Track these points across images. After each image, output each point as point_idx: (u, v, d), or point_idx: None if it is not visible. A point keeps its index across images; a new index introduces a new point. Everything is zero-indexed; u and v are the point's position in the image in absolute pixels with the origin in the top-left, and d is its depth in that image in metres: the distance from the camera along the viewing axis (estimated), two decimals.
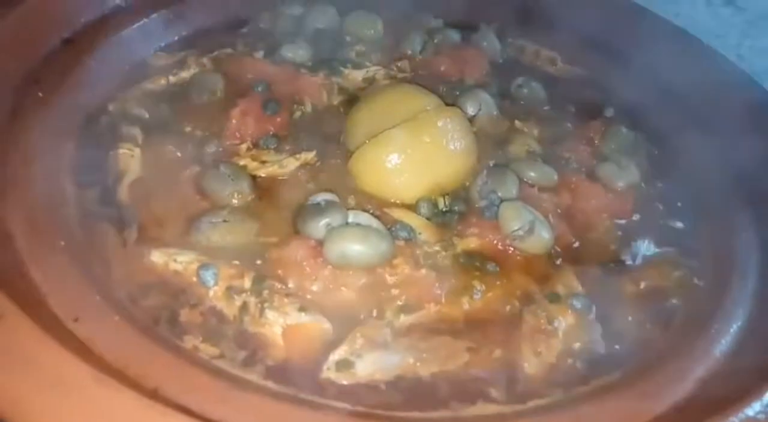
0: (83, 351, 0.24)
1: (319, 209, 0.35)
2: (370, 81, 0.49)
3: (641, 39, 0.55)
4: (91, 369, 0.23)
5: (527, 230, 0.37)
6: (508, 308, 0.35)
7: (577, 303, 0.35)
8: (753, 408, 0.26)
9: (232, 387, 0.27)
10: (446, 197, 0.41)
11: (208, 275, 0.32)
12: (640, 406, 0.29)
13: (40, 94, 0.40)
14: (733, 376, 0.30)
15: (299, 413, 0.27)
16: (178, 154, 0.40)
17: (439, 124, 0.40)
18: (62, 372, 0.22)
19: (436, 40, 0.54)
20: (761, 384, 0.27)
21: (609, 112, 0.50)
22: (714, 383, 0.30)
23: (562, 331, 0.33)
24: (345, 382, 0.30)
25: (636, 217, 0.42)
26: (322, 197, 0.36)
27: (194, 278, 0.33)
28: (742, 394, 0.27)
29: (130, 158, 0.39)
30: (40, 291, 0.28)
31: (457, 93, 0.48)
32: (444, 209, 0.40)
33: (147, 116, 0.43)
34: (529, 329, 0.33)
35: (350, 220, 0.35)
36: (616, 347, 0.33)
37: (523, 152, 0.45)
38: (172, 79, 0.46)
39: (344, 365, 0.30)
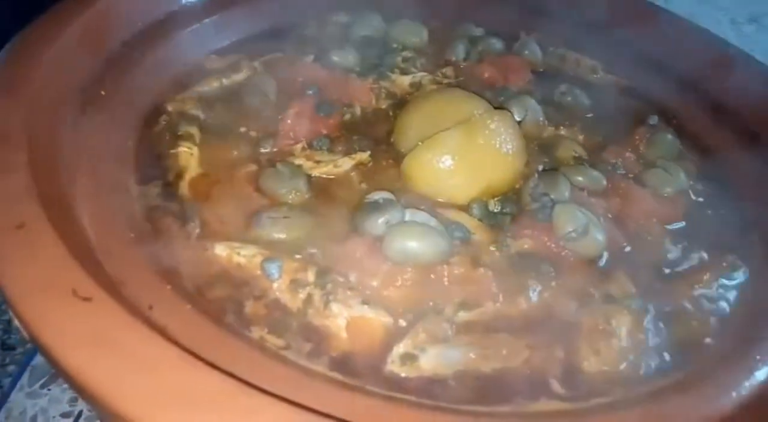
0: (163, 334, 0.25)
1: (377, 207, 0.36)
2: (417, 86, 0.50)
3: (680, 49, 0.56)
4: (176, 348, 0.23)
5: (581, 232, 0.37)
6: (564, 308, 0.35)
7: (633, 304, 0.35)
8: None
9: (302, 376, 0.28)
10: (497, 199, 0.41)
11: (273, 268, 0.33)
12: (705, 406, 0.28)
13: (103, 93, 0.41)
14: None
15: (368, 403, 0.27)
16: (235, 153, 0.41)
17: (492, 126, 0.40)
18: (149, 351, 0.23)
19: (479, 48, 0.55)
20: None
21: (653, 120, 0.51)
22: None
23: (620, 331, 0.34)
24: (410, 375, 0.30)
25: (686, 223, 0.42)
26: (379, 196, 0.37)
27: (258, 271, 0.33)
28: None
29: (189, 156, 0.40)
30: (114, 281, 0.29)
31: (502, 99, 0.49)
32: (495, 211, 0.40)
33: (203, 116, 0.44)
34: (587, 329, 0.34)
35: (407, 218, 0.36)
36: (675, 349, 0.33)
37: (570, 157, 0.46)
38: (225, 82, 0.48)
39: (408, 358, 0.30)
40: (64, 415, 0.64)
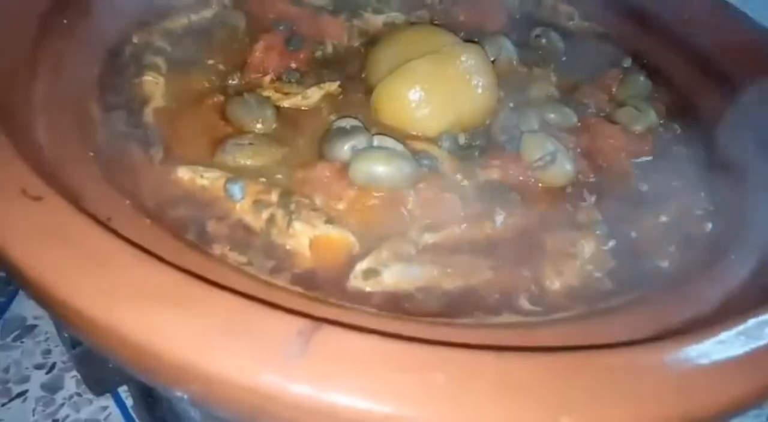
0: (118, 235, 0.24)
1: (345, 132, 0.35)
2: (391, 26, 0.49)
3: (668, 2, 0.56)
4: (130, 247, 0.23)
5: (549, 160, 0.37)
6: (529, 233, 0.35)
7: (598, 230, 0.35)
8: None
9: (262, 286, 0.28)
10: (467, 133, 0.41)
11: (236, 189, 0.32)
12: (656, 320, 0.29)
13: (65, 21, 0.40)
14: (752, 297, 0.31)
15: (328, 312, 0.27)
16: (202, 84, 0.41)
17: (462, 58, 0.40)
18: (102, 247, 0.23)
19: None
20: None
21: (626, 62, 0.51)
22: (734, 302, 0.31)
23: (584, 254, 0.34)
24: (371, 289, 0.30)
25: (653, 157, 0.42)
26: (346, 122, 0.37)
27: (221, 193, 0.33)
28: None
29: (154, 86, 0.40)
30: (69, 190, 0.28)
31: (476, 39, 0.48)
32: (465, 144, 0.40)
33: (170, 49, 0.43)
34: (551, 252, 0.34)
35: (375, 144, 0.36)
36: (635, 271, 0.34)
37: (543, 96, 0.46)
38: (194, 17, 0.47)
39: (371, 273, 0.30)
40: (38, 366, 0.64)
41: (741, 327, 0.24)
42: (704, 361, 0.23)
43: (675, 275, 0.34)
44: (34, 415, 0.59)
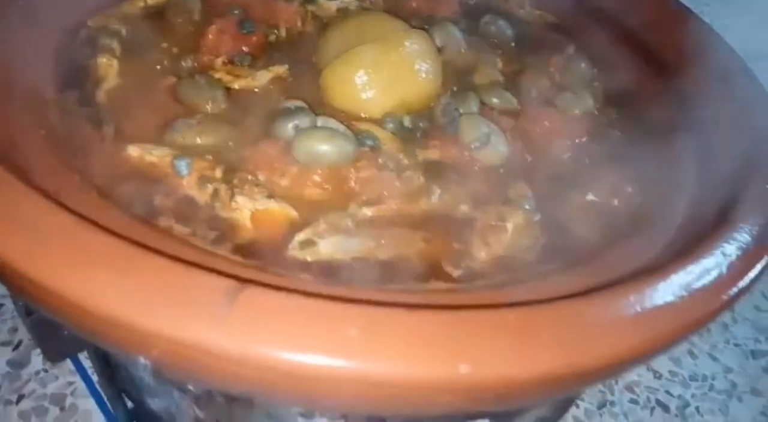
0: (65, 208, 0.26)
1: (289, 112, 0.37)
2: (344, 11, 0.51)
3: None
4: (73, 216, 0.25)
5: (484, 141, 0.39)
6: (463, 209, 0.37)
7: (527, 205, 0.38)
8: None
9: (204, 255, 0.30)
10: (411, 116, 0.43)
11: (183, 165, 0.34)
12: (573, 285, 0.31)
13: (20, 1, 0.41)
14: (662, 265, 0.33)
15: (264, 277, 0.29)
16: (155, 66, 0.42)
17: (406, 44, 0.42)
18: (48, 218, 0.24)
19: None
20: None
21: (570, 49, 0.53)
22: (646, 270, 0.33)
23: (511, 228, 0.36)
24: (309, 258, 0.32)
25: (588, 140, 0.45)
26: (292, 103, 0.38)
27: (169, 170, 0.35)
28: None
29: (108, 67, 0.41)
30: (16, 165, 0.29)
31: (426, 26, 0.50)
32: (409, 126, 0.42)
33: (125, 32, 0.44)
34: (480, 225, 0.36)
35: (318, 124, 0.38)
36: (560, 243, 0.36)
37: (487, 81, 0.48)
38: (150, 1, 0.48)
39: (307, 244, 0.32)
40: (4, 343, 0.65)
41: (631, 291, 0.27)
42: (592, 319, 0.25)
43: (596, 247, 0.36)
44: (0, 390, 0.60)
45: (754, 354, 0.80)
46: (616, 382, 0.74)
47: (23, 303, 0.34)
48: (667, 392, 0.74)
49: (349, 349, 0.22)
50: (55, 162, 0.32)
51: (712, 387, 0.76)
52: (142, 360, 0.32)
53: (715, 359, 0.79)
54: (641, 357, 0.26)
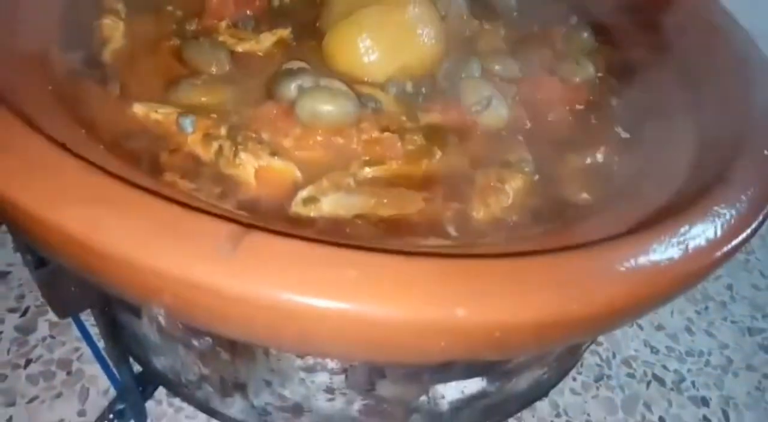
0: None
1: (292, 73, 0.38)
2: None
3: None
4: (82, 161, 0.25)
5: (485, 104, 0.40)
6: (462, 170, 0.38)
7: (526, 168, 0.38)
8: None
9: (209, 207, 0.30)
10: (414, 80, 0.43)
11: (187, 123, 0.35)
12: (567, 241, 0.32)
13: None
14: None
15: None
16: (160, 28, 0.43)
17: (410, 8, 0.42)
18: (53, 159, 0.25)
19: None
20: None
21: (572, 20, 0.53)
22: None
23: (510, 189, 0.37)
24: (312, 214, 0.33)
25: (587, 107, 0.45)
26: (295, 64, 0.39)
27: (173, 127, 0.35)
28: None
29: (113, 29, 0.41)
30: (23, 116, 0.30)
31: None
32: (411, 90, 0.43)
33: None
34: (480, 186, 0.37)
35: (321, 84, 0.38)
36: (557, 204, 0.37)
37: (490, 48, 0.48)
38: None
39: (310, 201, 0.33)
40: (12, 310, 0.66)
41: (623, 246, 0.28)
42: (585, 269, 0.26)
43: (592, 208, 0.37)
44: (8, 355, 0.61)
45: (750, 331, 0.81)
46: (614, 356, 0.75)
47: (32, 257, 0.34)
48: (664, 366, 0.75)
49: (349, 290, 0.23)
50: (64, 116, 0.32)
51: (708, 363, 0.77)
52: (147, 314, 0.33)
53: (711, 335, 0.80)
54: (631, 308, 0.27)
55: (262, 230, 0.25)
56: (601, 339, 0.77)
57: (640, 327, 0.79)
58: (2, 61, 0.32)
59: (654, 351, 0.77)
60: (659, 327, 0.79)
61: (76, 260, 0.24)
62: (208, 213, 0.25)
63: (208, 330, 0.31)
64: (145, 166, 0.33)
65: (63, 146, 0.27)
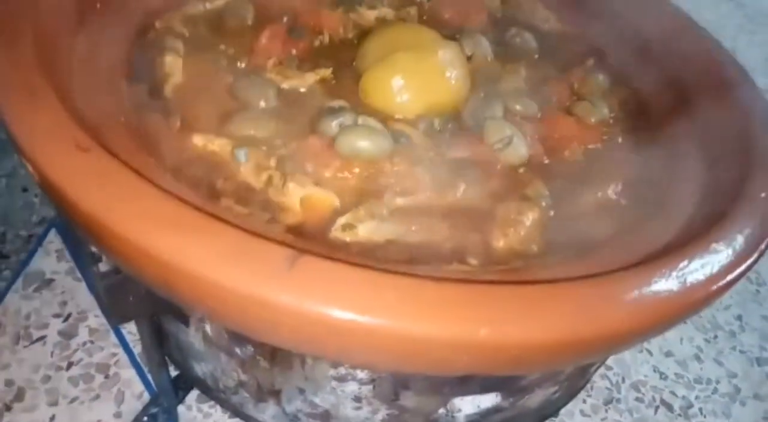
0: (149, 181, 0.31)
1: (334, 111, 0.42)
2: (382, 20, 0.56)
3: (633, 12, 0.62)
4: (158, 189, 0.30)
5: (506, 143, 0.44)
6: (484, 202, 0.42)
7: (543, 202, 0.42)
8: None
9: (260, 231, 0.34)
10: (441, 117, 0.48)
11: (241, 154, 0.39)
12: (582, 270, 0.35)
13: (98, 5, 0.47)
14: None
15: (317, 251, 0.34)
16: (215, 65, 0.47)
17: (439, 53, 0.47)
18: (138, 186, 0.29)
19: None
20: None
21: (590, 62, 0.57)
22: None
23: (528, 221, 0.40)
24: (348, 240, 0.37)
25: (601, 146, 0.49)
26: (336, 103, 0.43)
27: (229, 157, 0.40)
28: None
29: (174, 65, 0.46)
30: (107, 147, 0.34)
31: (457, 36, 0.55)
32: (439, 127, 0.47)
33: (188, 34, 0.50)
34: (500, 218, 0.40)
35: (359, 122, 0.42)
36: (572, 236, 0.41)
37: (512, 88, 0.52)
38: (209, 5, 0.53)
39: (348, 227, 0.37)
40: (55, 315, 0.71)
41: (631, 278, 0.31)
42: (597, 298, 0.30)
43: (603, 241, 0.40)
44: (51, 357, 0.66)
45: (759, 361, 0.83)
46: (623, 380, 0.78)
47: (98, 271, 0.39)
48: (672, 392, 0.77)
49: (387, 309, 0.27)
50: (134, 146, 0.37)
51: (716, 390, 0.79)
52: (194, 324, 0.37)
53: (720, 364, 0.82)
54: (634, 334, 0.30)
55: (312, 254, 0.29)
56: (611, 363, 0.80)
57: (650, 353, 0.81)
58: (88, 102, 0.37)
59: (663, 376, 0.79)
60: (668, 354, 0.82)
61: (157, 277, 0.28)
62: (267, 238, 0.29)
63: (257, 339, 0.35)
64: (203, 192, 0.38)
65: (142, 175, 0.31)
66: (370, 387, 0.39)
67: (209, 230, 0.28)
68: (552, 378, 0.42)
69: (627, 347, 0.34)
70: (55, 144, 0.30)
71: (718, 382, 0.80)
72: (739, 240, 0.35)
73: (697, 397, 0.77)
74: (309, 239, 0.36)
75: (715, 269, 0.33)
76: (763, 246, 0.37)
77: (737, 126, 0.46)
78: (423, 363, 0.29)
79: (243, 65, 0.48)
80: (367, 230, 0.37)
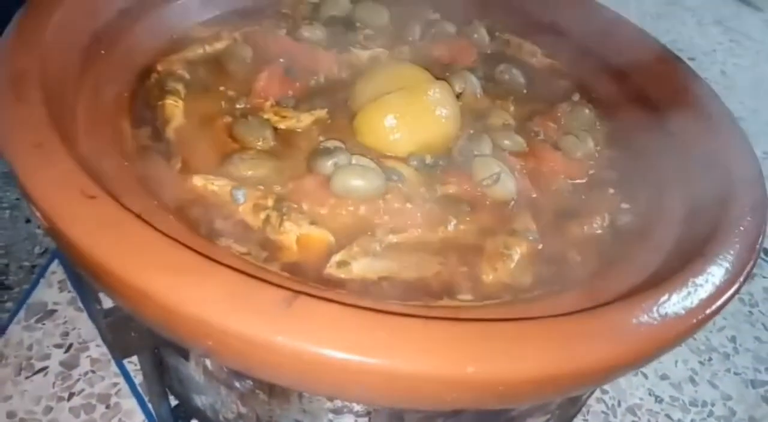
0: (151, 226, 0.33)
1: (328, 151, 0.44)
2: (375, 60, 0.58)
3: (616, 45, 0.64)
4: (160, 234, 0.31)
5: (495, 179, 0.45)
6: (473, 237, 0.43)
7: (530, 237, 0.43)
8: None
9: (258, 270, 0.36)
10: (432, 155, 0.49)
11: (240, 194, 0.41)
12: (568, 306, 0.37)
13: (103, 52, 0.49)
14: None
15: (308, 290, 0.35)
16: (214, 107, 0.49)
17: (429, 93, 0.49)
18: (143, 233, 0.31)
19: (433, 31, 0.64)
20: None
21: (575, 97, 0.59)
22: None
23: (515, 255, 0.42)
24: (342, 276, 0.38)
25: (587, 180, 0.51)
26: (331, 143, 0.45)
27: (227, 198, 0.41)
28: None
29: (175, 108, 0.48)
30: (112, 191, 0.36)
31: (448, 74, 0.57)
32: (430, 164, 0.49)
33: (188, 76, 0.52)
34: (489, 252, 0.42)
35: (353, 162, 0.44)
36: (559, 269, 0.42)
37: (500, 124, 0.54)
38: (208, 48, 0.55)
39: (342, 264, 0.39)
40: (57, 346, 0.72)
41: (612, 313, 0.33)
42: (579, 334, 0.31)
43: (588, 274, 0.42)
44: (53, 388, 0.67)
45: (753, 384, 0.84)
46: (619, 404, 0.78)
47: (101, 308, 0.40)
48: (668, 416, 0.78)
49: (379, 349, 0.28)
50: (138, 188, 0.39)
51: (711, 413, 0.79)
52: (195, 358, 0.38)
53: (715, 386, 0.83)
54: (616, 367, 0.32)
55: (308, 295, 0.30)
56: (606, 387, 0.80)
57: (645, 376, 0.82)
58: (94, 148, 0.39)
59: (658, 400, 0.80)
60: (663, 377, 0.83)
61: (160, 320, 0.30)
62: (264, 280, 0.31)
63: (256, 375, 0.36)
64: (203, 231, 0.39)
65: (143, 220, 0.33)
66: (366, 419, 0.40)
67: (208, 272, 0.30)
68: (542, 408, 0.43)
69: (612, 379, 0.36)
70: (62, 193, 0.32)
71: (713, 405, 0.80)
72: (719, 273, 0.37)
73: (692, 420, 0.78)
74: (305, 277, 0.38)
75: (695, 302, 0.35)
76: (742, 277, 0.38)
77: (717, 158, 0.48)
78: (414, 399, 0.31)
79: (241, 106, 0.50)
80: (360, 267, 0.39)
